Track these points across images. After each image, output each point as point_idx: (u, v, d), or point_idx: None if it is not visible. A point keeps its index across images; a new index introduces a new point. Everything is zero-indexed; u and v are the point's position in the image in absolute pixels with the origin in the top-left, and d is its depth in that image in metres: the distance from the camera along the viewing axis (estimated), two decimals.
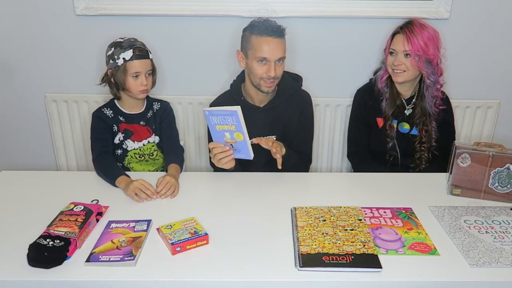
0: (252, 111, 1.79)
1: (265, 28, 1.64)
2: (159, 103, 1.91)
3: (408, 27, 1.77)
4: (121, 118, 1.84)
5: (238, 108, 1.48)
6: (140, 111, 1.86)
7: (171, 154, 1.82)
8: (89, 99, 2.26)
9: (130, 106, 1.85)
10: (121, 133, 1.83)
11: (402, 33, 1.77)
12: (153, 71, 1.80)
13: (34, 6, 2.11)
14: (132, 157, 1.85)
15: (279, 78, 1.73)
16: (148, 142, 1.86)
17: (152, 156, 1.88)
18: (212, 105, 1.88)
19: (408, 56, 1.77)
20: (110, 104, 1.85)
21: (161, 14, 2.10)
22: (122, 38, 1.76)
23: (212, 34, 2.15)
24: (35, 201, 1.49)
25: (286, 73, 1.86)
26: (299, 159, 1.80)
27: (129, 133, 1.84)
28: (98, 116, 1.82)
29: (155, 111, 1.89)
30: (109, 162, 1.73)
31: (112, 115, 1.83)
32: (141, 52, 1.73)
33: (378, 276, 1.16)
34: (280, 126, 1.82)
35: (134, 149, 1.85)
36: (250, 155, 1.54)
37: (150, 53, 1.78)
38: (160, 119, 1.89)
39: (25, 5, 2.11)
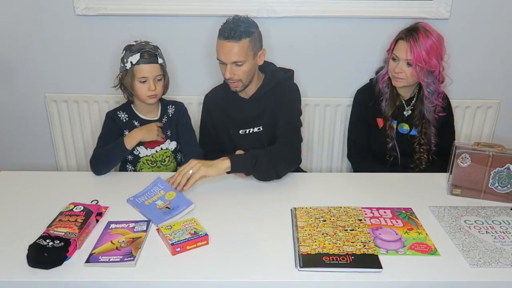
0: (240, 102, 1.82)
1: (223, 30, 1.66)
2: (173, 106, 1.89)
3: (413, 35, 1.74)
4: (135, 123, 1.82)
5: (159, 175, 1.57)
6: (155, 118, 1.84)
7: (188, 156, 1.77)
8: (89, 99, 2.26)
9: (145, 110, 1.83)
10: None
11: (406, 40, 1.75)
12: (164, 76, 1.77)
13: (34, 6, 2.11)
14: (144, 163, 1.84)
15: (243, 79, 1.71)
16: (161, 148, 1.84)
17: (164, 162, 1.86)
18: (207, 96, 1.92)
19: (410, 65, 1.76)
20: (126, 108, 1.84)
21: (160, 14, 2.10)
22: (136, 41, 1.74)
23: (212, 34, 2.14)
24: (35, 201, 1.49)
25: (277, 67, 1.88)
26: (274, 156, 1.62)
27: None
28: (111, 118, 1.81)
29: (170, 115, 1.87)
30: (107, 146, 1.71)
31: (127, 119, 1.81)
32: (149, 57, 1.70)
33: (378, 277, 1.16)
34: (266, 116, 1.82)
35: (146, 155, 1.83)
36: (190, 202, 1.44)
37: (160, 57, 1.74)
38: (175, 123, 1.87)
39: (25, 5, 2.11)
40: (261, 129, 1.83)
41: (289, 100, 1.81)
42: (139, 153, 1.82)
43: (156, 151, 1.84)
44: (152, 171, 1.86)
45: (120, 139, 1.66)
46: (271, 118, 1.81)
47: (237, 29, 1.63)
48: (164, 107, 1.87)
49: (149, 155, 1.83)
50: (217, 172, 1.53)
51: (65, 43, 2.18)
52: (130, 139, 1.64)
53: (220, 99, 1.87)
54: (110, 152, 1.65)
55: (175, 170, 1.87)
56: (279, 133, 1.76)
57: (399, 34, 1.81)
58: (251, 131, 1.83)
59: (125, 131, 1.81)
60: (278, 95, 1.81)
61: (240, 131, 1.83)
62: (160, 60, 1.74)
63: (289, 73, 1.88)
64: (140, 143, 1.81)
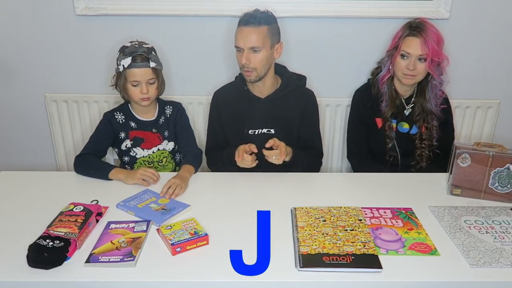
0: (253, 101, 1.82)
1: (242, 17, 1.70)
2: (171, 107, 1.88)
3: (423, 29, 1.74)
4: (132, 124, 1.81)
5: (147, 188, 1.58)
6: (152, 119, 1.83)
7: (186, 156, 1.80)
8: (89, 99, 2.26)
9: (142, 111, 1.82)
10: (130, 141, 1.81)
11: (418, 36, 1.74)
12: (157, 79, 1.75)
13: (34, 6, 2.11)
14: (141, 164, 1.83)
15: (259, 69, 1.72)
16: (158, 149, 1.84)
17: (161, 163, 1.86)
18: (216, 93, 1.91)
19: (423, 60, 1.75)
20: (123, 108, 1.83)
21: (160, 14, 2.10)
22: (131, 42, 1.73)
23: (212, 34, 2.15)
24: (35, 201, 1.49)
25: (291, 72, 1.89)
26: (311, 157, 1.84)
27: (139, 141, 1.82)
28: (108, 119, 1.80)
29: (168, 116, 1.86)
30: (98, 160, 1.73)
31: (123, 120, 1.81)
32: (142, 60, 1.68)
33: (378, 277, 1.16)
34: (280, 120, 1.82)
35: (143, 156, 1.83)
36: (186, 205, 1.46)
37: (153, 60, 1.71)
38: (173, 124, 1.87)
39: (25, 5, 2.11)
40: (272, 131, 1.82)
41: (312, 113, 1.89)
42: (136, 154, 1.82)
43: (153, 152, 1.84)
44: None
45: (108, 167, 1.66)
46: (285, 122, 1.82)
47: (257, 15, 1.68)
48: (162, 108, 1.87)
49: (146, 156, 1.83)
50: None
51: (65, 43, 2.18)
52: (114, 174, 1.62)
53: (231, 96, 1.86)
54: (93, 170, 1.65)
55: (175, 170, 1.87)
56: (310, 144, 1.86)
57: (404, 31, 1.79)
58: (260, 132, 1.82)
59: (120, 133, 1.81)
60: (294, 102, 1.83)
61: (250, 131, 1.82)
62: (152, 64, 1.71)
63: (303, 79, 1.91)
64: (136, 144, 1.81)
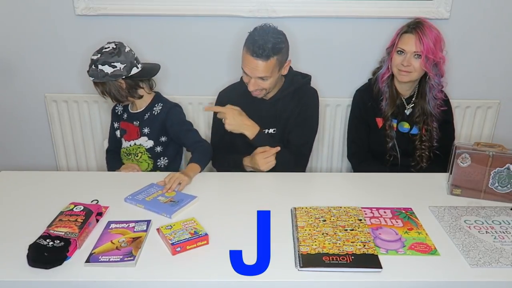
0: (258, 102, 1.81)
1: (252, 45, 1.61)
2: (161, 105, 1.83)
3: (420, 27, 1.76)
4: (124, 116, 1.89)
5: (152, 182, 1.59)
6: (138, 111, 1.85)
7: (193, 154, 1.77)
8: (89, 99, 2.26)
9: (133, 104, 1.87)
10: (119, 131, 1.91)
11: (413, 33, 1.76)
12: (104, 90, 1.73)
13: (34, 6, 2.11)
14: (123, 154, 1.91)
15: (268, 89, 1.73)
16: (135, 144, 1.85)
17: (136, 157, 1.86)
18: (221, 93, 1.92)
19: (418, 57, 1.76)
20: None
21: (160, 14, 2.10)
22: (106, 49, 1.71)
23: (212, 34, 2.15)
24: (35, 201, 1.49)
25: (296, 71, 1.89)
26: (293, 158, 1.76)
27: (123, 132, 1.89)
28: (112, 110, 1.93)
29: (155, 114, 1.83)
30: (112, 160, 1.94)
31: (121, 111, 1.90)
32: (92, 77, 1.72)
33: (378, 276, 1.16)
34: (282, 120, 1.82)
35: (124, 148, 1.90)
36: (193, 196, 1.49)
37: (90, 75, 1.72)
38: (160, 123, 1.82)
39: (25, 5, 2.11)
40: (276, 131, 1.82)
41: (307, 110, 1.83)
42: (122, 144, 1.92)
43: (130, 145, 1.88)
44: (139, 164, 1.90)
45: (117, 165, 1.87)
46: (287, 121, 1.82)
47: (266, 46, 1.60)
48: (152, 104, 1.84)
49: (125, 147, 1.90)
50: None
51: (65, 43, 2.19)
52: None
53: (236, 96, 1.84)
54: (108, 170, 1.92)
55: (152, 171, 1.88)
56: (293, 142, 1.79)
57: (402, 28, 1.81)
58: (264, 132, 1.81)
59: (115, 123, 1.92)
60: (296, 101, 1.82)
61: None
62: (91, 79, 1.74)
63: (307, 78, 1.89)
64: (121, 134, 1.90)
